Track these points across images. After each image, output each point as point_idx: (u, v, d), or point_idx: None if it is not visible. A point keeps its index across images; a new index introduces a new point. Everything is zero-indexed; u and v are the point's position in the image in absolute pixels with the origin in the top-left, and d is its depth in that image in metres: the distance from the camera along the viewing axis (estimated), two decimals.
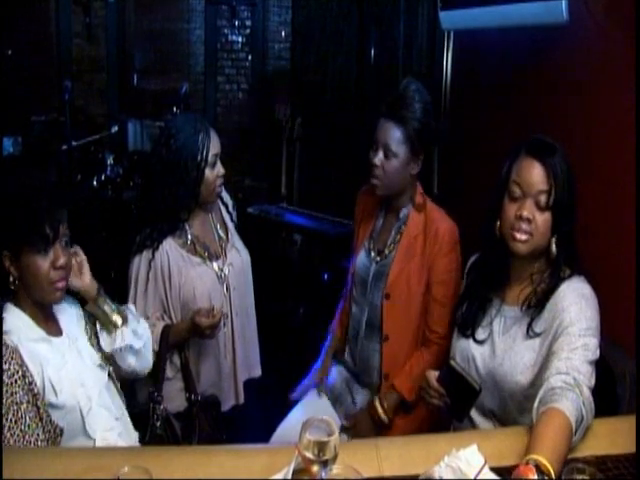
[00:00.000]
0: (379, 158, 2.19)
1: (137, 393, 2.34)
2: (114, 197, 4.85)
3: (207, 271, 2.36)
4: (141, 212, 2.49)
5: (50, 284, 1.72)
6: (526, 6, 2.60)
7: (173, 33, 6.86)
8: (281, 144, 5.36)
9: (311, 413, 2.30)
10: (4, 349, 1.61)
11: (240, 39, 6.83)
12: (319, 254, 4.31)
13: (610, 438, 1.63)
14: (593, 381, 1.64)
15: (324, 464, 1.36)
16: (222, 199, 2.54)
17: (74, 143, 5.10)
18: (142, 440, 2.07)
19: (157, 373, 2.24)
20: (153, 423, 2.19)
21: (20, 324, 1.70)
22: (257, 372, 2.60)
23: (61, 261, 1.71)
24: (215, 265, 2.39)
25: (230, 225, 2.53)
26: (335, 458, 1.36)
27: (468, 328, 1.91)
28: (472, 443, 1.49)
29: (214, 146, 2.29)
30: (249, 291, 2.57)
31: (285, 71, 6.71)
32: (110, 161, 5.09)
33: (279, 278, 2.94)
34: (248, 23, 6.79)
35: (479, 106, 3.45)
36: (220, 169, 2.32)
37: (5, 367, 1.59)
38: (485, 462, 1.44)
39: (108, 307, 1.94)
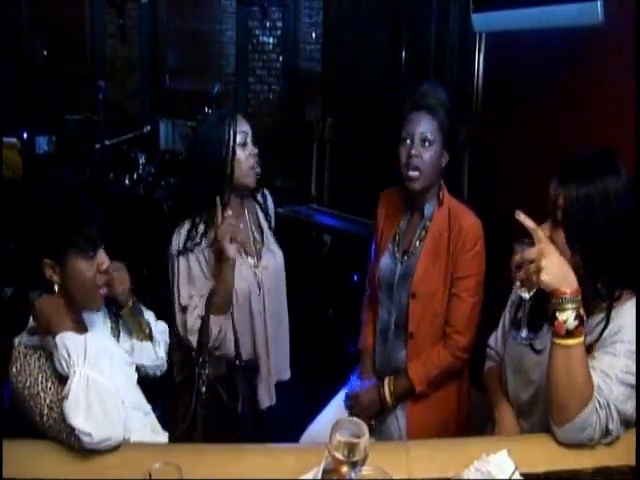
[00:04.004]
0: (417, 148, 2.22)
1: (179, 361, 2.38)
2: (146, 195, 4.90)
3: (241, 263, 2.36)
4: (176, 207, 2.53)
5: (95, 289, 1.71)
6: (560, 8, 2.57)
7: (205, 34, 6.92)
8: (312, 145, 5.36)
9: (341, 414, 2.33)
10: (42, 354, 1.64)
11: (271, 40, 6.87)
12: (349, 255, 4.30)
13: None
14: (630, 405, 1.58)
15: (354, 465, 1.36)
16: (258, 201, 2.55)
17: (107, 142, 5.17)
18: (188, 407, 2.15)
19: (201, 341, 2.27)
20: (199, 389, 2.22)
21: None
22: (286, 375, 2.60)
23: (106, 265, 1.70)
24: (249, 260, 2.40)
25: (266, 228, 2.53)
26: (365, 459, 1.37)
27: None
28: (503, 448, 1.48)
29: (241, 126, 2.33)
30: (282, 294, 2.57)
31: (316, 72, 6.72)
32: (142, 160, 5.15)
33: (308, 279, 2.93)
34: (279, 24, 6.83)
35: (511, 108, 3.42)
36: (252, 149, 2.35)
37: (42, 367, 1.63)
38: (516, 467, 1.43)
39: (137, 320, 1.96)
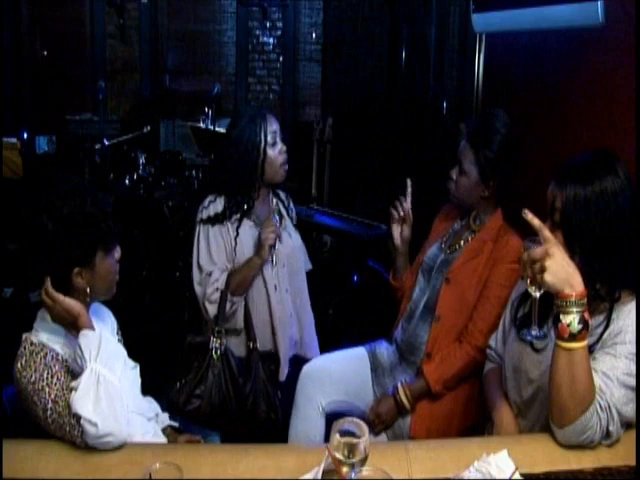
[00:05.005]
0: (454, 172, 2.40)
1: (202, 328, 2.54)
2: (146, 196, 4.90)
3: (257, 235, 2.49)
4: (207, 185, 2.72)
5: (115, 278, 1.77)
6: (561, 8, 2.57)
7: (205, 34, 6.91)
8: (312, 145, 5.36)
9: (350, 366, 2.52)
10: (48, 352, 1.65)
11: (271, 40, 6.86)
12: (349, 256, 4.30)
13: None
14: (631, 407, 1.58)
15: (354, 465, 1.36)
16: (278, 195, 2.70)
17: (107, 142, 5.17)
18: (199, 365, 2.31)
19: (218, 313, 2.43)
20: (211, 354, 2.35)
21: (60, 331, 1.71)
22: (317, 355, 2.71)
23: (120, 252, 1.77)
24: None
25: (285, 214, 2.68)
26: (365, 460, 1.37)
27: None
28: (503, 448, 1.48)
29: (271, 126, 2.50)
30: (300, 275, 2.71)
31: (316, 72, 6.72)
32: (142, 160, 5.13)
33: (308, 279, 2.95)
34: (279, 24, 6.81)
35: (511, 109, 3.42)
36: (282, 146, 2.53)
37: (48, 363, 1.63)
38: (516, 467, 1.43)
39: None
